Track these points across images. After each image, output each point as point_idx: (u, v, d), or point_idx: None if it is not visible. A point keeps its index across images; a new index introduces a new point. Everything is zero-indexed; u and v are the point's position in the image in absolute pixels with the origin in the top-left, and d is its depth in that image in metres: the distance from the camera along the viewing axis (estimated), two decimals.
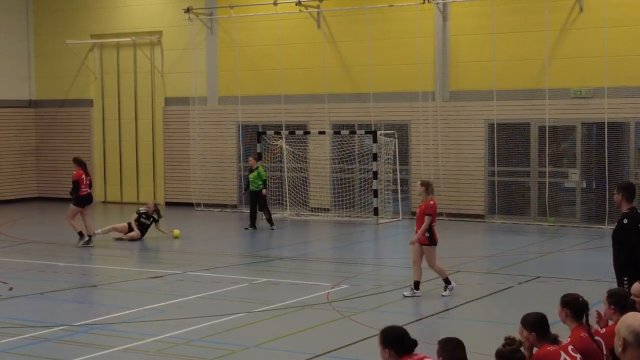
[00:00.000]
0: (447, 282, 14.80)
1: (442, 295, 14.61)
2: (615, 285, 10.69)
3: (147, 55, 30.07)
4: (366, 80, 26.21)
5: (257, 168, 23.89)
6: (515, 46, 24.43)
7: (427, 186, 14.68)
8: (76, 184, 20.42)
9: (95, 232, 21.23)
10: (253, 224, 23.69)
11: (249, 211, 24.16)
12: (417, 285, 14.66)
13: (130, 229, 21.84)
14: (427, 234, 14.58)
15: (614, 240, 11.23)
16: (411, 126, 26.01)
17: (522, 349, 7.11)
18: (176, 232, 22.18)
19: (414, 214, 25.72)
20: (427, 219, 14.51)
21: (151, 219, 22.16)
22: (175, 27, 29.31)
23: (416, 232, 14.70)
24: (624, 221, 10.91)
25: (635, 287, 8.24)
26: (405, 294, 14.65)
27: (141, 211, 22.20)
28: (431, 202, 14.57)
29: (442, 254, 19.51)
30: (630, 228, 10.89)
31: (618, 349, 5.10)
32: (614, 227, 11.27)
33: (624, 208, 11.02)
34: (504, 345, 7.03)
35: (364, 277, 16.93)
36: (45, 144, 32.07)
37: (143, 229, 22.02)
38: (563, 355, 7.12)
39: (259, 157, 26.28)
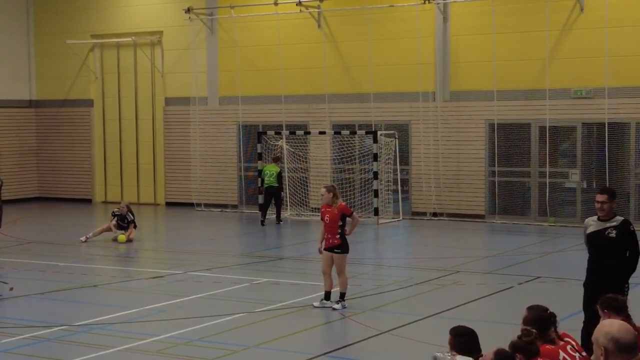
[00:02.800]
0: (342, 297, 13.87)
1: (333, 309, 13.76)
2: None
3: (147, 56, 30.08)
4: (367, 80, 26.22)
5: (273, 165, 25.06)
6: (515, 46, 24.44)
7: (334, 191, 14.01)
8: None
9: (86, 237, 21.16)
10: (279, 219, 24.91)
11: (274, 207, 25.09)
12: (327, 296, 13.96)
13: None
14: (340, 240, 13.86)
15: (617, 247, 10.27)
16: (412, 126, 26.03)
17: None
18: (122, 237, 21.35)
19: (414, 214, 25.84)
20: (353, 218, 13.94)
21: (126, 221, 21.67)
22: (175, 27, 29.33)
23: (326, 239, 13.91)
24: (631, 227, 10.28)
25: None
26: (315, 304, 13.93)
27: (116, 213, 21.79)
28: (343, 204, 14.00)
29: (443, 254, 19.58)
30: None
31: (599, 358, 5.00)
32: (613, 235, 10.22)
33: (612, 214, 10.30)
34: (519, 337, 6.95)
35: (364, 278, 16.93)
36: (46, 144, 32.09)
37: (120, 229, 21.65)
38: (562, 354, 7.10)
39: (259, 157, 26.35)
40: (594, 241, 10.32)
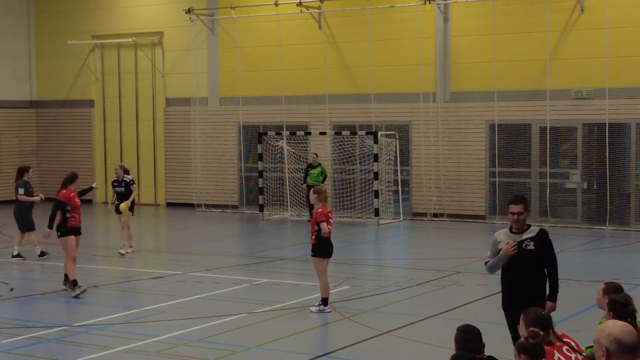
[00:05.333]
0: (323, 302, 13.64)
1: (311, 311, 13.67)
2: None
3: (148, 56, 30.08)
4: (367, 81, 26.22)
5: (319, 165, 25.00)
6: (516, 47, 24.43)
7: (319, 194, 13.79)
8: None
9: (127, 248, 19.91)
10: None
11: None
12: (325, 301, 13.71)
13: (118, 212, 19.86)
14: (314, 241, 13.64)
15: (537, 260, 9.32)
16: (412, 127, 26.02)
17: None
18: (122, 205, 19.58)
19: (415, 214, 25.84)
20: (320, 227, 13.55)
21: (123, 183, 19.86)
22: (176, 27, 29.32)
23: (312, 237, 13.74)
24: (549, 237, 9.40)
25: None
26: (312, 309, 13.72)
27: (113, 180, 20.23)
28: (319, 211, 13.67)
29: (443, 255, 19.56)
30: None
31: (601, 359, 5.05)
32: (531, 247, 9.22)
33: (525, 225, 9.34)
34: (526, 338, 6.97)
35: (365, 278, 16.93)
36: (47, 145, 32.10)
37: (121, 198, 19.76)
38: (557, 354, 7.08)
39: (259, 157, 26.34)
40: (510, 256, 9.17)
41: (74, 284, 15.06)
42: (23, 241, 19.35)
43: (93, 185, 17.95)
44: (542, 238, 9.26)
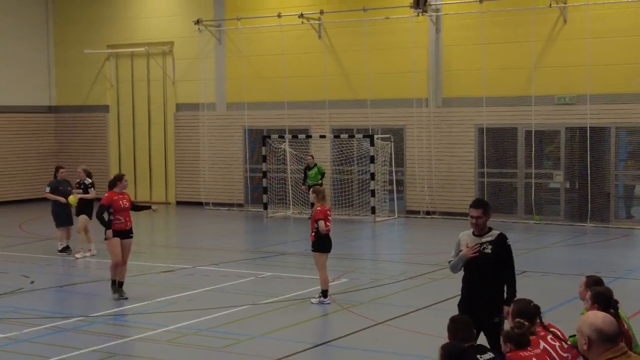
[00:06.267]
0: (322, 294, 13.62)
1: (311, 302, 13.66)
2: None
3: (159, 64, 30.06)
4: (364, 87, 26.21)
5: (315, 165, 24.89)
6: (503, 56, 24.41)
7: (317, 194, 13.82)
8: None
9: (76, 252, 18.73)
10: None
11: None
12: (325, 293, 13.67)
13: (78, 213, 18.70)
14: (314, 237, 13.62)
15: (493, 263, 8.85)
16: (406, 130, 26.00)
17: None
18: (72, 198, 18.53)
19: (409, 212, 25.82)
20: (318, 225, 13.50)
21: (83, 186, 18.80)
22: (185, 37, 29.30)
23: (311, 233, 13.76)
24: (508, 242, 9.01)
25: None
26: (313, 301, 13.68)
27: (76, 182, 19.04)
28: (318, 209, 13.64)
29: (435, 250, 19.53)
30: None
31: (583, 347, 5.11)
32: (489, 250, 8.81)
33: (486, 229, 8.96)
34: (512, 328, 7.00)
35: (362, 272, 16.92)
36: (65, 147, 32.08)
37: (80, 199, 18.59)
38: (542, 343, 7.07)
39: (263, 159, 26.32)
40: (469, 258, 8.85)
41: (112, 284, 14.25)
42: (65, 235, 19.05)
43: (153, 207, 15.73)
44: (500, 242, 8.85)
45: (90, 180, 18.93)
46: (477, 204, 9.02)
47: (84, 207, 18.64)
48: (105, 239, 14.28)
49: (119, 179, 14.50)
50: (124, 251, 14.30)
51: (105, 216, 14.18)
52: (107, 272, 14.67)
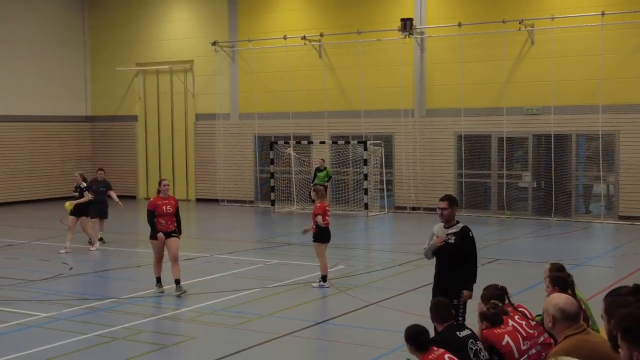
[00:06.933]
0: (322, 279, 13.53)
1: (312, 286, 13.58)
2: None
3: (181, 80, 30.06)
4: (359, 99, 26.20)
5: (325, 168, 24.61)
6: (479, 72, 24.42)
7: (316, 192, 13.83)
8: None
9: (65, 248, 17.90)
10: None
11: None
12: (324, 278, 13.60)
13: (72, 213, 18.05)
14: (315, 230, 13.58)
15: (456, 253, 8.71)
16: (395, 137, 25.99)
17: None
18: (67, 204, 18.12)
19: (397, 208, 25.82)
20: (317, 220, 13.51)
21: (78, 189, 18.24)
22: (204, 57, 29.30)
23: (313, 226, 13.67)
24: (470, 234, 8.80)
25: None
26: (314, 285, 13.62)
27: (74, 186, 18.55)
28: (318, 205, 13.61)
29: (420, 241, 19.50)
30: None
31: (548, 325, 5.15)
32: (452, 241, 8.70)
33: (454, 221, 8.88)
34: (488, 308, 6.99)
35: (357, 259, 16.91)
36: (99, 152, 32.08)
37: (78, 205, 18.03)
38: (511, 322, 7.06)
39: (271, 161, 26.31)
40: (437, 247, 8.80)
41: (157, 281, 13.37)
42: (99, 228, 18.86)
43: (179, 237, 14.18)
44: (463, 234, 8.71)
45: (85, 184, 18.28)
46: (444, 197, 9.00)
47: (82, 209, 18.11)
48: (150, 239, 13.48)
49: (158, 183, 13.48)
50: (170, 249, 13.22)
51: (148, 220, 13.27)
52: (134, 260, 14.62)
